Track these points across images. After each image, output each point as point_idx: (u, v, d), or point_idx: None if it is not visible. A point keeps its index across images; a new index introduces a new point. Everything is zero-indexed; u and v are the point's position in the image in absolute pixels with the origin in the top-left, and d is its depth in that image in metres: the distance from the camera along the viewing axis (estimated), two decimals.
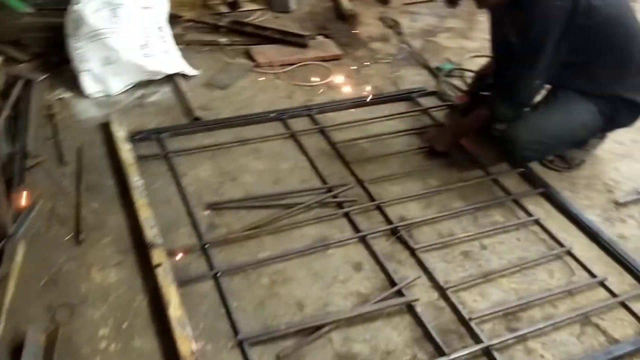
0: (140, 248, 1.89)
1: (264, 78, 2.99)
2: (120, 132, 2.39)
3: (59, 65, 2.81)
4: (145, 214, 1.99)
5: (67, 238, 1.93)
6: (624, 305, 1.83)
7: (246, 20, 3.53)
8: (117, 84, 2.72)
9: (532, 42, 2.06)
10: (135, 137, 2.40)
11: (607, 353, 1.65)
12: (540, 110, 2.23)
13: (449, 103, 2.82)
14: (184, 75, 2.91)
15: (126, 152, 2.28)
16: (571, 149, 2.38)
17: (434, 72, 3.11)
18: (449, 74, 3.08)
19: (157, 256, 1.81)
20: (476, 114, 2.37)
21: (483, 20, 2.57)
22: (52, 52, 2.86)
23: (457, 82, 3.04)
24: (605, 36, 2.10)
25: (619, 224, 2.19)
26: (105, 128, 2.47)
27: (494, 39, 2.38)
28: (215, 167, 2.32)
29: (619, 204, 2.27)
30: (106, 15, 2.65)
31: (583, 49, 2.10)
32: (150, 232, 1.90)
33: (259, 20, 3.57)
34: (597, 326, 1.78)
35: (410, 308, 1.77)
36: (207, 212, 2.10)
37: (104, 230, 1.97)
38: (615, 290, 1.88)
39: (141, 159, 2.29)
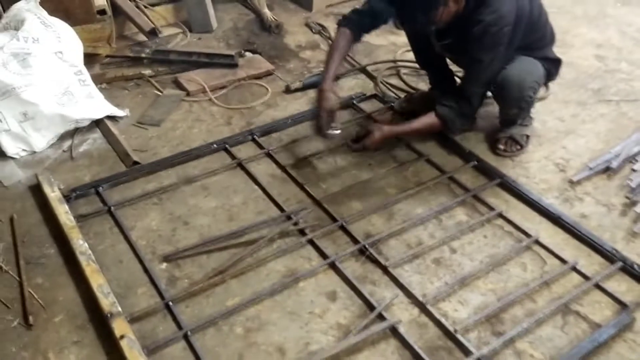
0: (99, 320, 1.74)
1: (197, 107, 2.84)
2: (53, 193, 2.20)
3: None
4: (97, 281, 1.83)
5: (14, 324, 1.75)
6: (598, 287, 1.85)
7: (168, 47, 3.37)
8: (41, 140, 2.50)
9: (484, 65, 2.20)
10: (71, 195, 2.22)
11: (592, 341, 1.66)
12: (513, 62, 2.28)
13: (390, 105, 2.78)
14: (113, 118, 2.73)
15: (64, 214, 2.10)
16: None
17: (371, 75, 3.06)
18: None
19: (119, 327, 1.67)
20: (424, 123, 2.35)
21: None
22: None
23: (394, 80, 3.02)
24: (534, 22, 2.26)
25: (577, 203, 2.22)
26: (36, 191, 2.26)
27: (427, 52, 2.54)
28: (164, 214, 2.18)
29: (573, 183, 2.30)
30: (16, 67, 2.44)
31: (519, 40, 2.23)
32: (107, 300, 1.75)
33: (182, 45, 3.41)
34: (578, 313, 1.79)
35: (394, 331, 1.72)
36: (164, 265, 1.97)
37: (54, 308, 1.80)
38: (587, 272, 1.90)
39: (82, 218, 2.12)
